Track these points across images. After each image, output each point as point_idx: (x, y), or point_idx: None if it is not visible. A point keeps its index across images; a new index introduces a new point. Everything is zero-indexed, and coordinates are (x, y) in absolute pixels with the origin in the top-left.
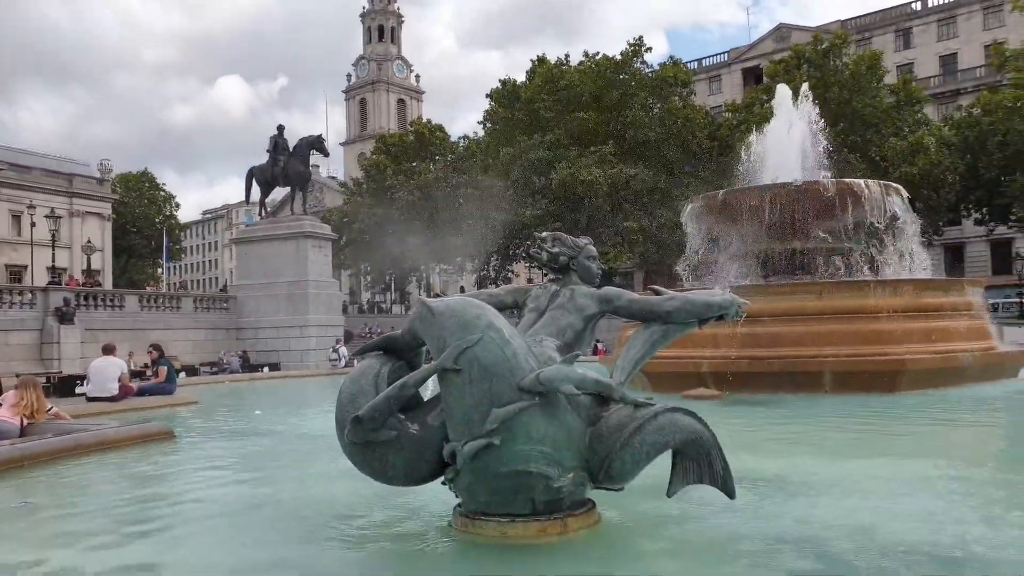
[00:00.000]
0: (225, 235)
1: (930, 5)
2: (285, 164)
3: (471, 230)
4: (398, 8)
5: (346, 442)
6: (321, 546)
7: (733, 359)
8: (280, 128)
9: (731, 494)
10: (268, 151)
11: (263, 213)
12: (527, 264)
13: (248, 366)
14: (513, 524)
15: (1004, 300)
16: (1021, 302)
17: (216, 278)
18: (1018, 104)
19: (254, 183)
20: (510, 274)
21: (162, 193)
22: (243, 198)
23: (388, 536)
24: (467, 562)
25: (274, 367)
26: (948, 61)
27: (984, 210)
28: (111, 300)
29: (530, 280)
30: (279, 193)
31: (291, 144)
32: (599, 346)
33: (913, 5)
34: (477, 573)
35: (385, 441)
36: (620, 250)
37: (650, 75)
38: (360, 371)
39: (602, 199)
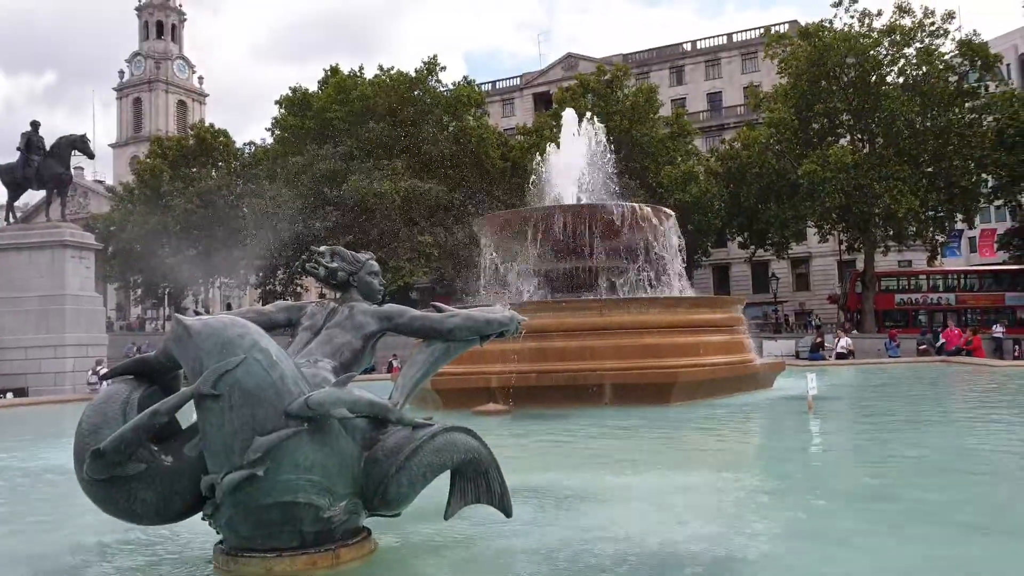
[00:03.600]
0: None
1: (699, 47)
2: (40, 165)
3: (256, 241)
4: (180, 5)
5: (85, 478)
6: None
7: (521, 374)
8: (35, 124)
9: (508, 512)
10: (19, 149)
11: (11, 218)
12: (317, 284)
13: None
14: (280, 559)
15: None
16: (776, 318)
17: None
18: (770, 141)
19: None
20: (299, 289)
21: None
22: None
23: None
24: None
25: (20, 392)
26: (714, 98)
27: (745, 234)
28: None
29: (322, 295)
30: (34, 197)
31: (48, 142)
32: (394, 364)
33: (684, 46)
34: None
35: (133, 476)
36: (416, 265)
37: (445, 93)
38: (106, 397)
39: (395, 212)
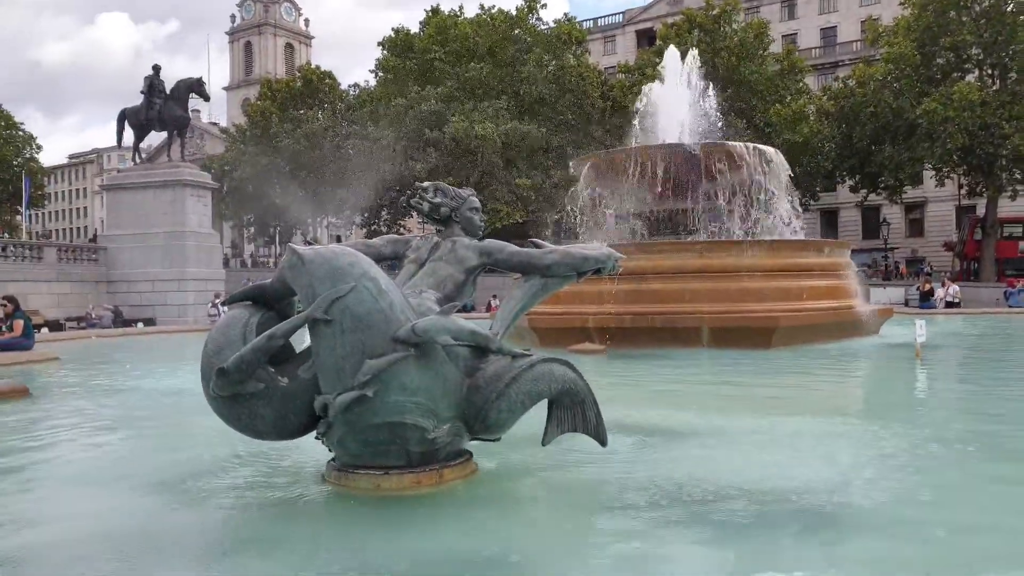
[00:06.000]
0: (95, 181)
1: None
2: (161, 107)
3: (360, 182)
4: None
5: (212, 395)
6: (189, 505)
7: (618, 315)
8: (156, 68)
9: (603, 442)
10: (142, 92)
11: (137, 159)
12: (419, 220)
13: (121, 321)
14: (387, 476)
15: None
16: (886, 265)
17: (84, 227)
18: (888, 78)
19: (127, 126)
20: (401, 228)
21: (20, 133)
22: (115, 143)
23: (259, 492)
24: (340, 514)
25: (149, 322)
26: (828, 34)
27: (856, 178)
28: None
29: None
30: (156, 139)
31: (168, 86)
32: (493, 303)
33: None
34: (350, 525)
35: (253, 393)
36: (514, 208)
37: (545, 32)
38: (227, 321)
39: (495, 154)
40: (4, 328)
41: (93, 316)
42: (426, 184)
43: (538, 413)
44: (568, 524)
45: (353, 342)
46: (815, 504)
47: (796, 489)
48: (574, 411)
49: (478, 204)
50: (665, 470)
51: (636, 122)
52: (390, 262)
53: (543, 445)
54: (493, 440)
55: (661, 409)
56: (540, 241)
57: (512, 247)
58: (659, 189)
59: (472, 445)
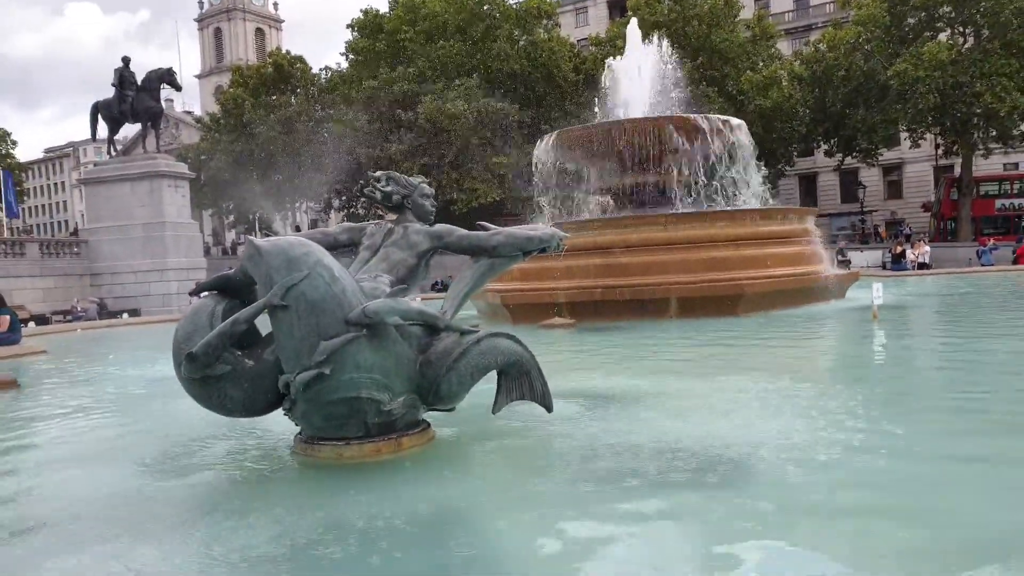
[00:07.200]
0: (72, 175)
1: None
2: (134, 99)
3: (336, 166)
4: None
5: (183, 378)
6: (169, 476)
7: (586, 289)
8: (125, 60)
9: (549, 408)
10: (113, 85)
11: (112, 151)
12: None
13: (106, 313)
14: (348, 446)
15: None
16: (863, 228)
17: (64, 222)
18: (859, 40)
19: (100, 120)
20: (380, 211)
21: None
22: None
23: (233, 463)
24: (306, 481)
25: (134, 313)
26: None
27: (832, 141)
28: None
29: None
30: (130, 131)
31: (139, 77)
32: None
33: None
34: (315, 490)
35: (221, 375)
36: (490, 186)
37: (515, 7)
38: (195, 310)
39: (470, 132)
40: None
41: (78, 309)
42: (379, 173)
43: (490, 386)
44: (518, 481)
45: (309, 325)
46: (726, 457)
47: (714, 442)
48: (521, 381)
49: (429, 191)
50: (606, 432)
51: (598, 98)
52: (347, 248)
53: (494, 413)
54: (448, 411)
55: (617, 377)
56: (487, 224)
57: (461, 231)
58: (625, 163)
59: (430, 416)
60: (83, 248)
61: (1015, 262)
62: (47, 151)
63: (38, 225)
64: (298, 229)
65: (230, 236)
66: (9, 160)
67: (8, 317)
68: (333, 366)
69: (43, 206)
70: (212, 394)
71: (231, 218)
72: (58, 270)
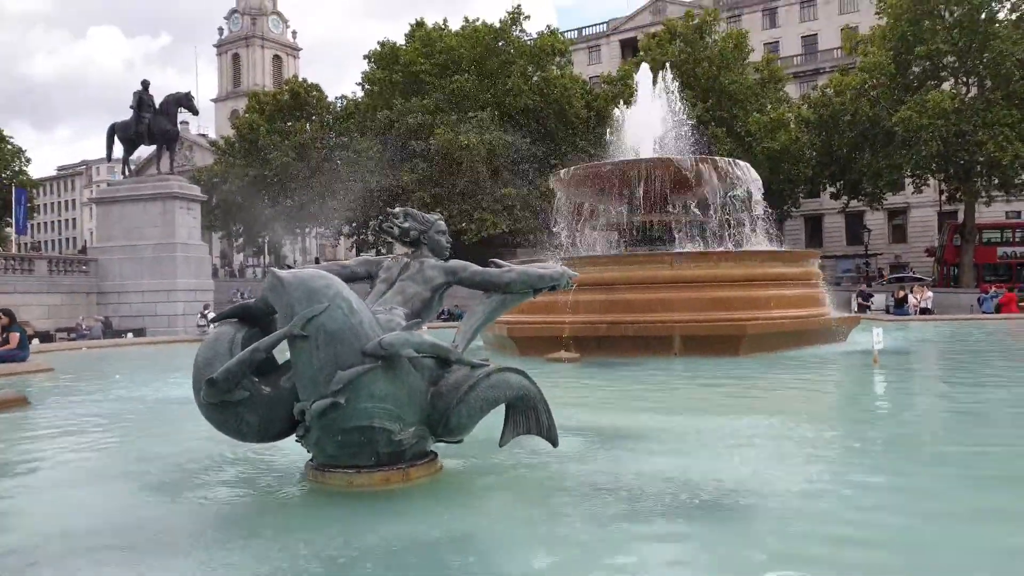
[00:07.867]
0: (84, 193)
1: None
2: (150, 121)
3: (348, 193)
4: None
5: (202, 402)
6: (181, 500)
7: (591, 324)
8: (145, 84)
9: (554, 443)
10: (132, 107)
11: (127, 172)
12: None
13: (111, 332)
14: (359, 474)
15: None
16: (868, 272)
17: (73, 239)
18: (865, 87)
19: (116, 140)
20: (389, 240)
21: (9, 146)
22: (104, 155)
23: (245, 488)
24: (316, 507)
25: (139, 333)
26: (809, 41)
27: (838, 184)
28: None
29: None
30: (145, 151)
31: (157, 101)
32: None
33: None
34: (324, 516)
35: (239, 401)
36: (500, 217)
37: (529, 43)
38: (215, 337)
39: (480, 164)
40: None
41: (83, 327)
42: (397, 210)
43: (498, 419)
44: (523, 514)
45: (327, 355)
46: (726, 494)
47: (716, 481)
48: (528, 415)
49: (444, 227)
50: (611, 467)
51: (612, 133)
52: (364, 281)
53: (500, 446)
54: (456, 442)
55: (621, 413)
56: (500, 261)
57: (474, 267)
58: (636, 202)
59: (437, 447)
60: (92, 266)
61: (997, 310)
62: (60, 169)
63: (46, 241)
64: (317, 261)
65: (238, 258)
66: (22, 177)
67: (18, 334)
68: (348, 395)
69: (53, 223)
70: (229, 419)
71: (240, 241)
72: (65, 287)
